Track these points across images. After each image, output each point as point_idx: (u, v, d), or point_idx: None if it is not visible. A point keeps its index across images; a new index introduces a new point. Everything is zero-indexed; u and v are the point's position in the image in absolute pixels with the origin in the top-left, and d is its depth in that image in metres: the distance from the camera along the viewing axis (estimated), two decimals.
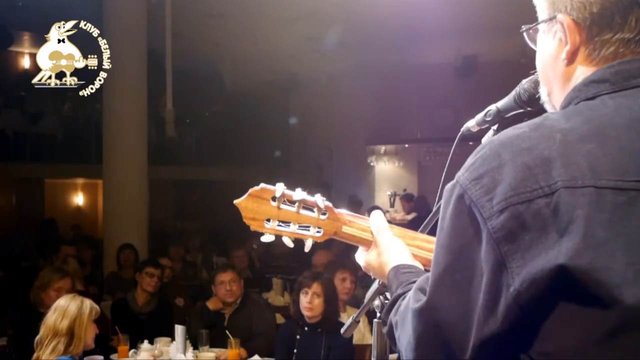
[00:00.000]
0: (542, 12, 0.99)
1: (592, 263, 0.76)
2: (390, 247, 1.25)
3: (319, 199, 1.27)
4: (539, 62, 1.03)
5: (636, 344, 0.76)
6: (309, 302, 4.02)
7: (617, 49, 0.92)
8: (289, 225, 1.26)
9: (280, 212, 1.25)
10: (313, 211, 1.27)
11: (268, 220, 1.26)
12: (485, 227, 0.83)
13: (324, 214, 1.27)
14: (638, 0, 0.90)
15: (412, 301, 0.96)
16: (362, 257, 1.33)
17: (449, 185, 0.92)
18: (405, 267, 1.20)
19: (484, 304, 0.83)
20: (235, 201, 1.25)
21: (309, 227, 1.27)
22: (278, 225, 1.26)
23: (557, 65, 0.98)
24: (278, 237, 1.27)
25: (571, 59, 0.96)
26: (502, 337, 0.82)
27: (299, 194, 1.26)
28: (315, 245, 1.30)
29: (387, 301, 1.18)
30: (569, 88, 0.96)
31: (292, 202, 1.26)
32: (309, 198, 1.26)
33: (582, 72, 0.95)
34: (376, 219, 1.29)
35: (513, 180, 0.83)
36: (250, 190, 1.25)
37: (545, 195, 0.80)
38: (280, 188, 1.25)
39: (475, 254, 0.85)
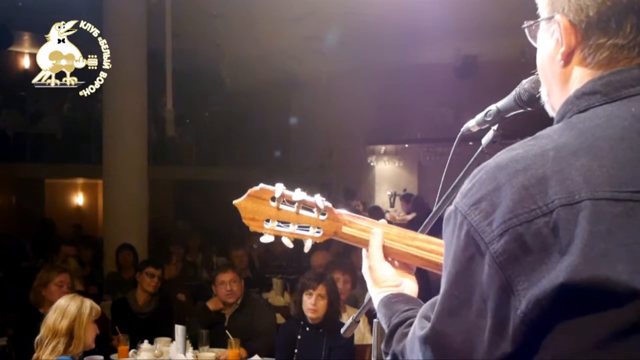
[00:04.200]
0: (543, 10, 0.99)
1: (593, 277, 0.76)
2: (379, 277, 1.26)
3: (318, 200, 1.26)
4: (538, 61, 1.03)
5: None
6: (314, 304, 4.01)
7: (611, 54, 0.91)
8: (288, 226, 1.26)
9: (280, 213, 1.25)
10: (312, 211, 1.26)
11: (267, 220, 1.25)
12: (487, 252, 0.82)
13: (323, 214, 1.26)
14: (634, 7, 0.89)
15: (417, 329, 0.96)
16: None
17: (448, 212, 0.91)
18: (394, 296, 1.21)
19: (492, 329, 0.82)
20: (235, 201, 1.25)
21: (308, 227, 1.26)
22: (277, 225, 1.25)
23: (554, 66, 0.98)
24: (278, 238, 1.27)
25: (567, 60, 0.95)
26: (511, 356, 0.82)
27: (298, 194, 1.25)
28: (314, 245, 1.29)
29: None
30: (567, 89, 0.96)
31: (291, 203, 1.26)
32: (308, 198, 1.26)
33: (579, 74, 0.94)
34: (373, 244, 1.28)
35: (511, 202, 0.82)
36: (249, 191, 1.25)
37: (543, 214, 0.80)
38: (279, 188, 1.24)
39: (474, 280, 0.84)
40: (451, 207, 0.91)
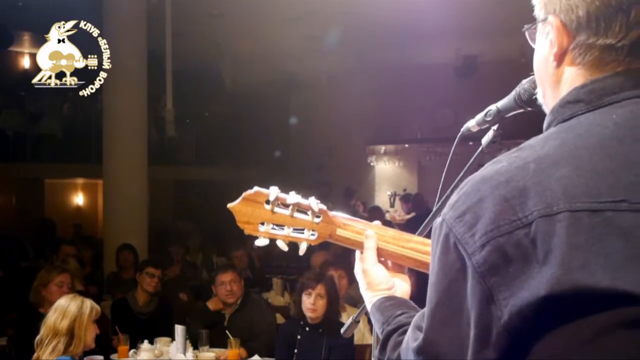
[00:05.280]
0: (539, 12, 0.99)
1: (574, 287, 0.76)
2: (373, 281, 1.28)
3: (313, 202, 1.26)
4: (534, 63, 1.03)
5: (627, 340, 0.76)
6: (313, 304, 4.01)
7: (601, 54, 0.91)
8: (283, 229, 1.26)
9: (274, 216, 1.25)
10: (307, 214, 1.26)
11: (262, 223, 1.25)
12: (470, 263, 0.84)
13: (318, 216, 1.26)
14: (622, 6, 0.90)
15: (410, 340, 0.98)
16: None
17: (436, 223, 0.93)
18: (386, 299, 1.23)
19: (475, 337, 0.83)
20: (229, 205, 1.25)
21: (303, 230, 1.26)
22: (272, 228, 1.25)
23: (547, 67, 0.98)
24: (273, 240, 1.27)
25: (559, 61, 0.96)
26: None
27: (292, 197, 1.25)
28: (313, 246, 1.29)
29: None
30: (559, 91, 0.96)
31: (286, 206, 1.25)
32: (303, 201, 1.26)
33: (569, 75, 0.95)
34: (368, 247, 1.29)
35: (492, 213, 0.83)
36: (244, 194, 1.25)
37: (523, 225, 0.81)
38: (274, 191, 1.24)
39: (463, 290, 0.85)
40: (439, 219, 0.92)
